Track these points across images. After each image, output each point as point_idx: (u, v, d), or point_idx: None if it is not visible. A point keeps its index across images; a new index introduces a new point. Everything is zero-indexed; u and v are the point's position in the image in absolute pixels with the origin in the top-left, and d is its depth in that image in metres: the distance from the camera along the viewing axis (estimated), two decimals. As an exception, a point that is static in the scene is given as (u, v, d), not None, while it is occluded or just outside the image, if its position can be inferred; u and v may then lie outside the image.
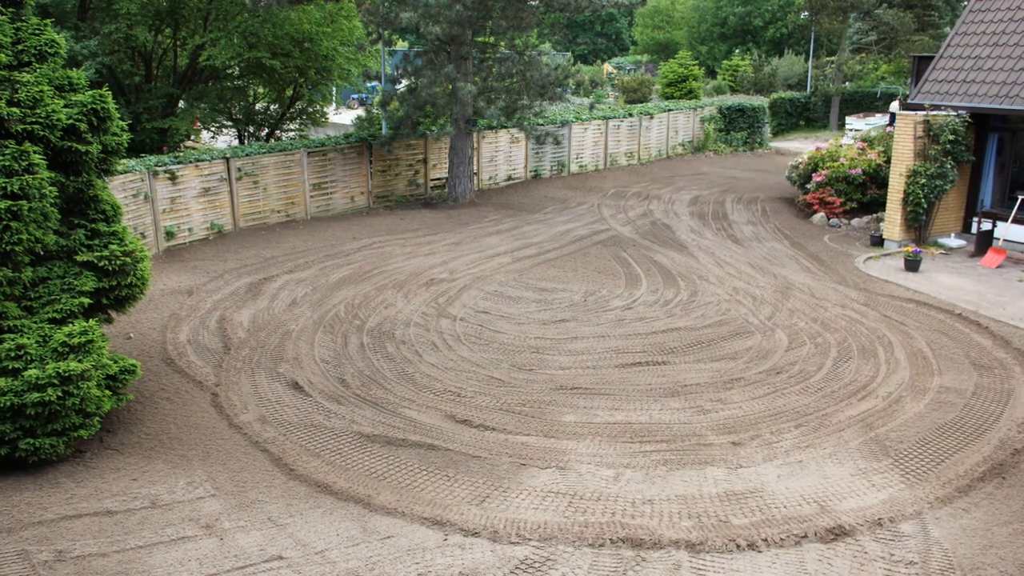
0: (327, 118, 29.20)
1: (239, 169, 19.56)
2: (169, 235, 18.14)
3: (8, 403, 8.30)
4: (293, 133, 28.49)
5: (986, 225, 17.76)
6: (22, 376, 8.41)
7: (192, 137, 28.20)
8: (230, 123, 27.68)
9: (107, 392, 9.27)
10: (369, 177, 22.54)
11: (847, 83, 42.71)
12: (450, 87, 21.36)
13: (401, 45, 32.94)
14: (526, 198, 23.95)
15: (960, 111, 17.59)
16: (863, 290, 15.05)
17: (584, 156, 28.20)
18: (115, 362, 9.50)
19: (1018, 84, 16.81)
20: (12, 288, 8.96)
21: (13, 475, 8.73)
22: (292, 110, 27.44)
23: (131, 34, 23.02)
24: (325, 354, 12.10)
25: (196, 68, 24.64)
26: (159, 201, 17.87)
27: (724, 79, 49.05)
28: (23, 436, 8.58)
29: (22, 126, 8.91)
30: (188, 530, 7.76)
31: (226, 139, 29.36)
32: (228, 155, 19.45)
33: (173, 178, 18.14)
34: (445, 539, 7.59)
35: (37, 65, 9.44)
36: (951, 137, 17.37)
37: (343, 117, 37.64)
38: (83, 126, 9.37)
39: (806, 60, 47.96)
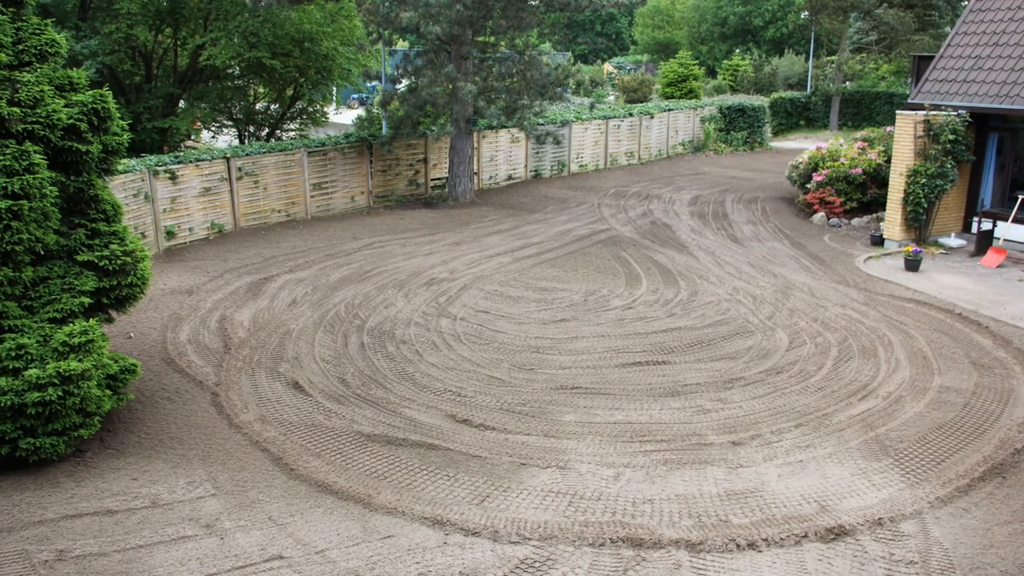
0: (327, 118, 29.22)
1: (239, 169, 19.57)
2: (169, 235, 18.15)
3: (9, 403, 8.31)
4: (293, 133, 28.50)
5: (986, 225, 17.76)
6: (23, 376, 8.41)
7: (192, 137, 28.21)
8: (230, 123, 27.71)
9: (107, 392, 9.28)
10: (369, 177, 22.54)
11: (847, 83, 42.71)
12: (450, 87, 21.36)
13: (401, 45, 32.88)
14: (526, 198, 23.95)
15: (960, 111, 17.59)
16: (863, 290, 15.04)
17: (584, 156, 28.21)
18: (115, 362, 9.51)
19: (1018, 84, 16.81)
20: (13, 288, 8.96)
21: (13, 475, 8.74)
22: (292, 110, 27.46)
23: (131, 34, 23.05)
24: (325, 354, 12.10)
25: (196, 68, 24.65)
26: (159, 201, 17.87)
27: (724, 79, 49.05)
28: (24, 436, 8.59)
29: (23, 126, 8.91)
30: (188, 529, 7.77)
31: (226, 139, 29.37)
32: (228, 155, 19.45)
33: (173, 178, 18.14)
34: (445, 539, 7.59)
35: (38, 65, 9.44)
36: (951, 137, 17.37)
37: (343, 117, 37.63)
38: (83, 126, 9.37)
39: (806, 60, 47.95)
